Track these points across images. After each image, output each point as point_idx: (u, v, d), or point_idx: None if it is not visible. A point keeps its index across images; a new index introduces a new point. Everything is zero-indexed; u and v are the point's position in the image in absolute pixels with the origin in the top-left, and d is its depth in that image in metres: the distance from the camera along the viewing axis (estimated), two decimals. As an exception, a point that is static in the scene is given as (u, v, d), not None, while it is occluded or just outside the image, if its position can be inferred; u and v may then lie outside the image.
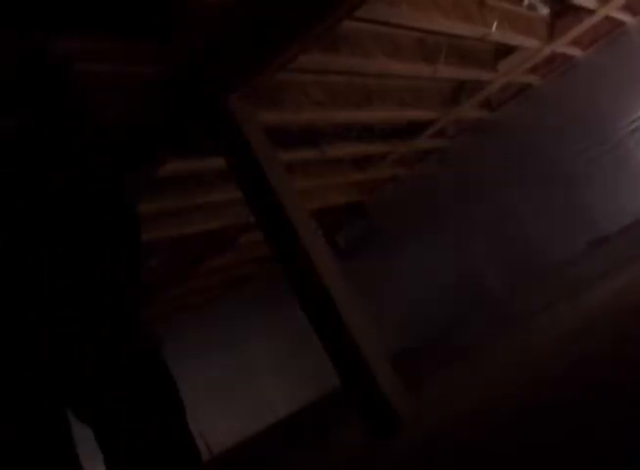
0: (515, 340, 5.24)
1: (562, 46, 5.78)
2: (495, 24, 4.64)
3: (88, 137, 1.42)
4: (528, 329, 5.43)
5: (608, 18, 5.73)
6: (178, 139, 3.93)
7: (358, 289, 4.93)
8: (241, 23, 3.44)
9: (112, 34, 3.04)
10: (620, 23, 6.02)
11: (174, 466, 1.33)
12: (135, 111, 3.64)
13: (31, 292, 1.31)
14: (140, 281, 1.44)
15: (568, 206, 6.55)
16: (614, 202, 6.29)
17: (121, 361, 1.34)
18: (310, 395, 7.59)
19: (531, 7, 5.27)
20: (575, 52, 6.17)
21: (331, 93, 4.78)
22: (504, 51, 5.59)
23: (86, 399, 1.34)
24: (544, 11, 5.41)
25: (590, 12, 5.40)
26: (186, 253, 6.20)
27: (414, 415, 3.37)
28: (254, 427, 7.77)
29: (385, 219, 7.61)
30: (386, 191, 7.57)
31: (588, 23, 5.52)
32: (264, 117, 4.06)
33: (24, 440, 1.32)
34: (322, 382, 6.68)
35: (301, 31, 3.35)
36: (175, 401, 1.39)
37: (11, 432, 1.32)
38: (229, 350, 8.42)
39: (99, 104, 3.20)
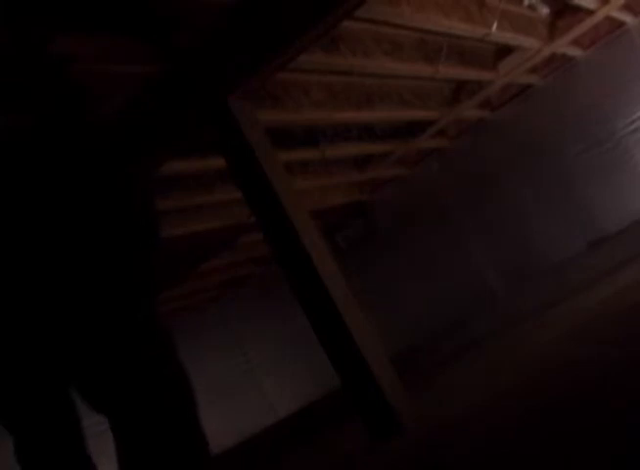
0: (515, 340, 5.24)
1: (562, 46, 5.78)
2: (495, 25, 4.64)
3: (87, 137, 1.42)
4: (529, 329, 5.43)
5: (608, 18, 5.73)
6: (178, 139, 3.93)
7: (358, 289, 4.92)
8: (241, 23, 3.44)
9: (112, 34, 3.04)
10: (620, 23, 6.02)
11: (185, 458, 1.35)
12: (135, 110, 3.63)
13: (44, 289, 1.32)
14: (153, 276, 1.46)
15: (568, 206, 6.55)
16: (614, 202, 6.29)
17: (137, 355, 1.36)
18: (310, 395, 7.59)
19: (531, 7, 5.28)
20: (576, 52, 6.17)
21: (331, 93, 4.78)
22: (504, 51, 5.59)
23: (102, 391, 1.36)
24: (544, 11, 5.41)
25: (590, 12, 5.41)
26: (186, 252, 6.19)
27: (414, 415, 3.36)
28: (254, 427, 7.77)
29: (385, 219, 7.61)
30: (386, 191, 7.57)
31: (588, 23, 5.52)
32: (264, 116, 4.06)
33: (36, 435, 1.34)
34: (322, 382, 6.68)
35: (301, 31, 3.35)
36: (188, 395, 1.40)
37: (23, 428, 1.34)
38: (229, 350, 8.42)
39: (98, 103, 3.21)
